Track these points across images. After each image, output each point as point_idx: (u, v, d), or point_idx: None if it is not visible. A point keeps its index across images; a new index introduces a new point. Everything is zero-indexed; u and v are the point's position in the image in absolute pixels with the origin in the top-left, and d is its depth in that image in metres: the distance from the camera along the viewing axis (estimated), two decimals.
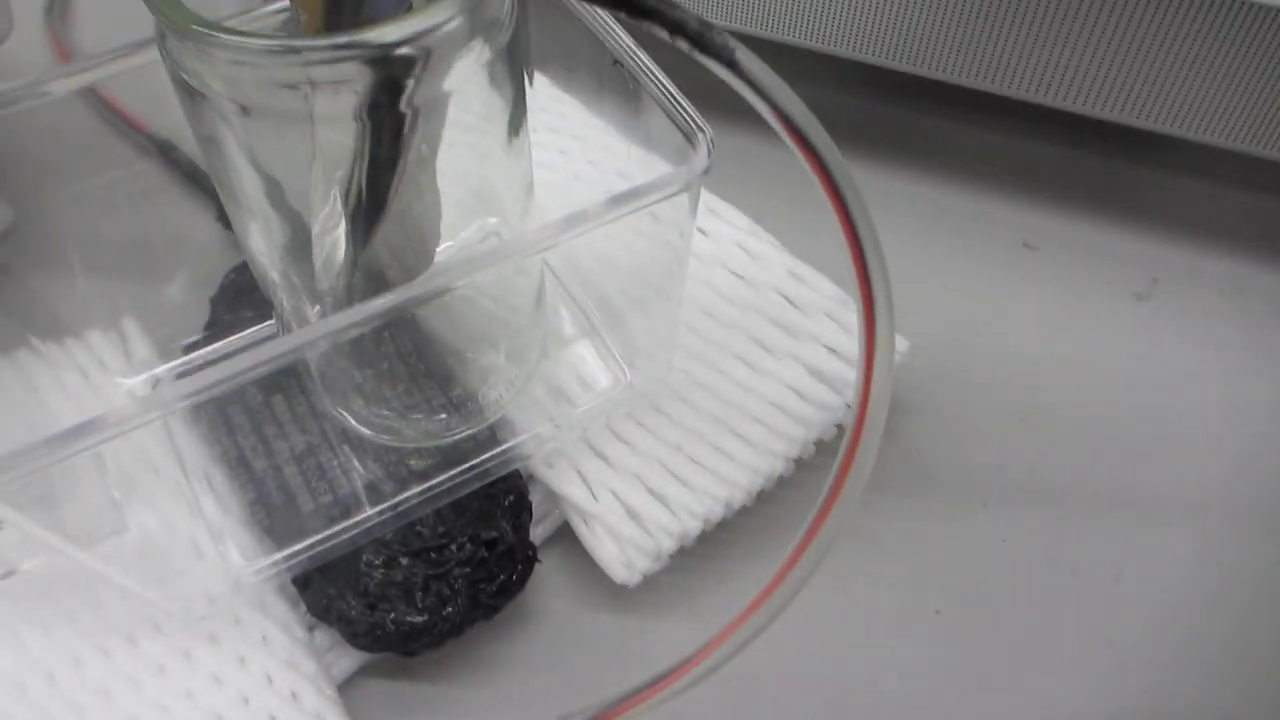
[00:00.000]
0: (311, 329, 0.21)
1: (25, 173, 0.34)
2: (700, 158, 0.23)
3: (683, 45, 0.19)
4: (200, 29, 0.21)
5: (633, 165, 0.37)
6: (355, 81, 0.21)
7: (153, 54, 0.27)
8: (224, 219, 0.40)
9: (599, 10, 0.27)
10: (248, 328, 0.34)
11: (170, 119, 0.39)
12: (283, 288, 0.29)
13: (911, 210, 0.42)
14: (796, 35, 0.40)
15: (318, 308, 0.30)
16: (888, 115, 0.45)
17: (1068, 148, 0.44)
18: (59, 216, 0.35)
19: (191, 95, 0.23)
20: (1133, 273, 0.40)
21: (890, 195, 0.42)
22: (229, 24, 0.27)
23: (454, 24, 0.21)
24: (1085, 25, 0.35)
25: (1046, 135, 0.44)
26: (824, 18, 0.39)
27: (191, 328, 0.35)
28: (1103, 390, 0.37)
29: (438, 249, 0.28)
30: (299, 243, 0.28)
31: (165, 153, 0.40)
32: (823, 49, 0.40)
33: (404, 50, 0.21)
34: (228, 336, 0.34)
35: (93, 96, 0.46)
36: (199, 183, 0.40)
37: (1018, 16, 0.36)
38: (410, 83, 0.22)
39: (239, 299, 0.35)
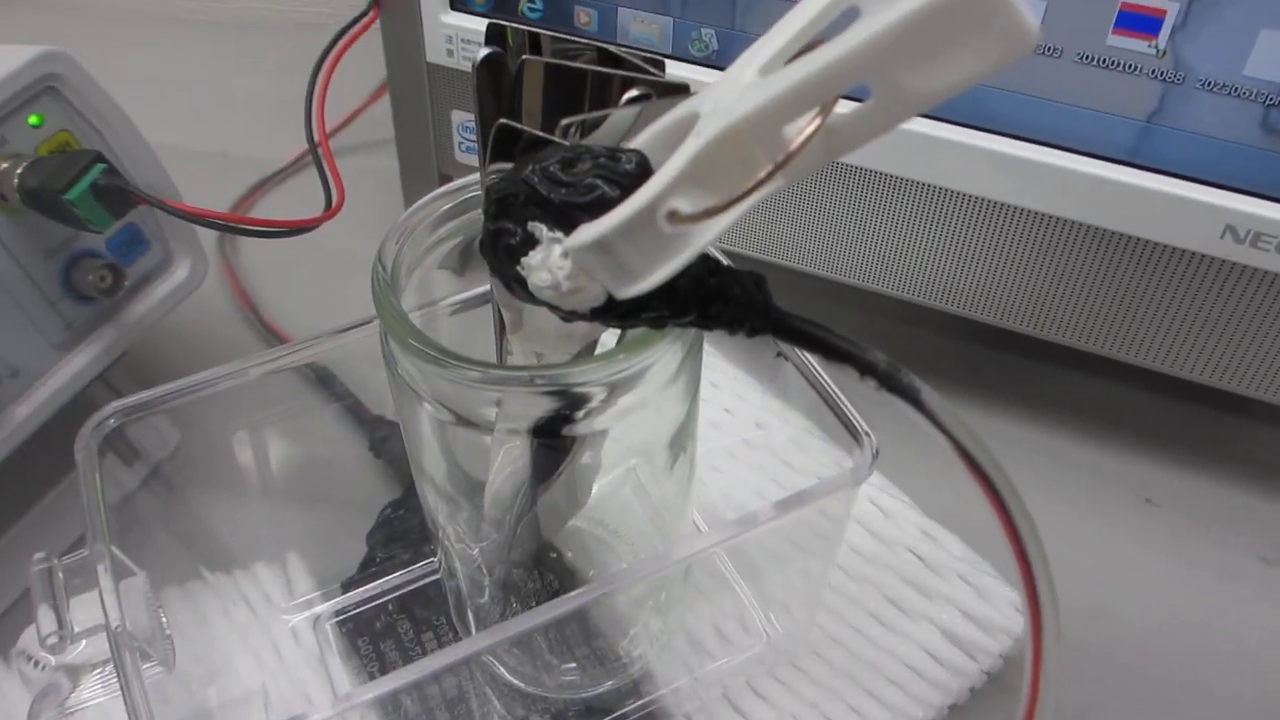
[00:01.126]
0: (494, 632, 0.23)
1: (189, 397, 0.37)
2: (865, 459, 0.25)
3: (871, 384, 0.20)
4: (418, 345, 0.23)
5: (769, 416, 0.39)
6: (537, 407, 0.23)
7: (332, 342, 0.31)
8: (376, 448, 0.43)
9: None
10: (402, 568, 0.36)
11: (329, 353, 0.42)
12: (449, 531, 0.31)
13: (1029, 459, 0.43)
14: (932, 298, 0.42)
15: (478, 549, 0.32)
16: (1007, 362, 0.47)
17: (1189, 402, 0.45)
18: (223, 441, 0.37)
19: (398, 381, 0.25)
20: (1260, 536, 0.40)
21: (1007, 441, 0.43)
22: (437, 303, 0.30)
23: (649, 360, 0.22)
24: (1198, 303, 0.37)
25: (1167, 388, 0.45)
26: (956, 286, 0.41)
27: (349, 560, 0.37)
28: (1229, 660, 0.36)
29: None
30: (471, 506, 0.30)
31: (324, 383, 0.43)
32: (956, 311, 0.42)
33: (585, 387, 0.23)
34: (384, 576, 0.36)
35: (261, 326, 0.50)
36: (355, 413, 0.43)
37: (1138, 296, 0.38)
38: (579, 414, 0.24)
39: (394, 539, 0.37)
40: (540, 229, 0.20)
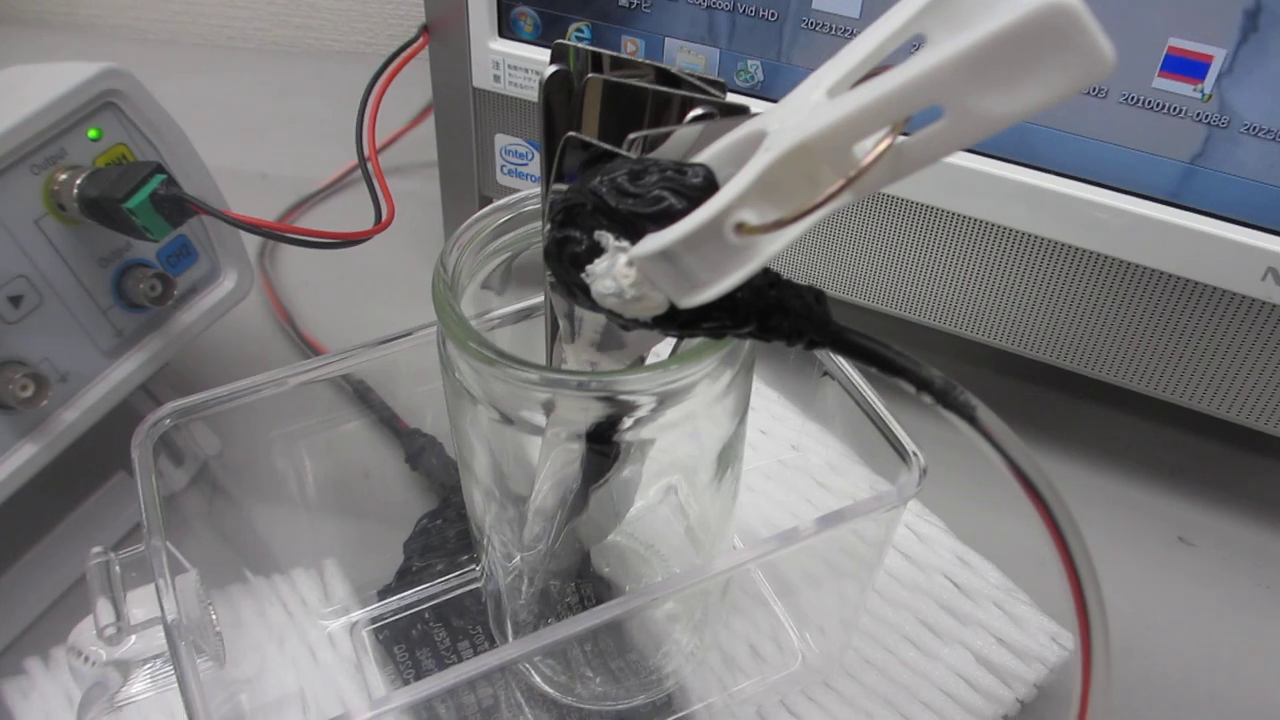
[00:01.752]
0: (532, 639, 0.23)
1: (240, 401, 0.37)
2: (912, 479, 0.25)
3: (927, 399, 0.21)
4: (476, 347, 0.23)
5: (806, 438, 0.40)
6: (588, 412, 0.24)
7: (371, 353, 0.31)
8: (412, 460, 0.43)
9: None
10: (438, 578, 0.36)
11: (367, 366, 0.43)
12: (492, 539, 0.32)
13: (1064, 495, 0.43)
14: (967, 330, 0.43)
15: (520, 556, 0.32)
16: (1041, 396, 0.47)
17: (1225, 442, 0.45)
18: (263, 450, 0.38)
19: (453, 383, 0.26)
20: None
21: None
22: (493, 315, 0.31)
23: (700, 373, 0.23)
24: (1237, 343, 0.37)
25: (1203, 428, 0.45)
26: (992, 319, 0.42)
27: (385, 569, 0.37)
28: (1264, 700, 0.36)
29: None
30: (517, 511, 0.30)
31: (360, 394, 0.44)
32: (990, 343, 0.43)
33: (636, 395, 0.23)
34: (419, 585, 0.36)
35: (298, 339, 0.51)
36: (390, 425, 0.44)
37: (1178, 334, 0.38)
38: (628, 421, 0.24)
39: (431, 549, 0.37)
40: (606, 238, 0.20)
